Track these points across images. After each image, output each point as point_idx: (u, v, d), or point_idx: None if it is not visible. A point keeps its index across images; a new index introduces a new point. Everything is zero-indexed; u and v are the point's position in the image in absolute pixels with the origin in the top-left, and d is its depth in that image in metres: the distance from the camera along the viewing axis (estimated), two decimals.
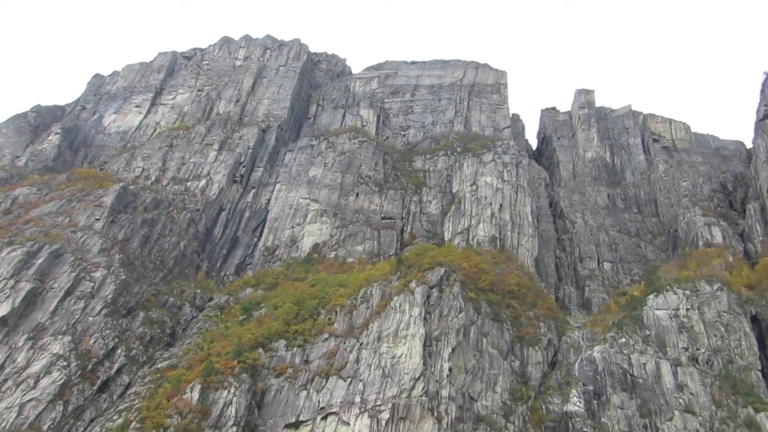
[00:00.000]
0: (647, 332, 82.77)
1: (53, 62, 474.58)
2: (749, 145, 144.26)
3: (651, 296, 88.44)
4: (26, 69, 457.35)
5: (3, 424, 69.42)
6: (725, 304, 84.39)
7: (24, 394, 73.36)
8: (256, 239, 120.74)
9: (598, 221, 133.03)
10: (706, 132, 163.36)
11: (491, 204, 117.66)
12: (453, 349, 73.15)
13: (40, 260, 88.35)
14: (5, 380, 75.89)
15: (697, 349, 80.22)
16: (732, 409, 73.92)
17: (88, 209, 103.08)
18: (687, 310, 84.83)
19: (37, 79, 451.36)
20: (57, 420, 71.91)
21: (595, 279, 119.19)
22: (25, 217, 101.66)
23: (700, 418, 73.25)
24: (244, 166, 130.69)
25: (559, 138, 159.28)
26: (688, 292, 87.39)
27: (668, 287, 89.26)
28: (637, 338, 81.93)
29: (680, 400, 74.81)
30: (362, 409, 66.08)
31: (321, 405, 68.93)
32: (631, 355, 78.99)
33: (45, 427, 70.36)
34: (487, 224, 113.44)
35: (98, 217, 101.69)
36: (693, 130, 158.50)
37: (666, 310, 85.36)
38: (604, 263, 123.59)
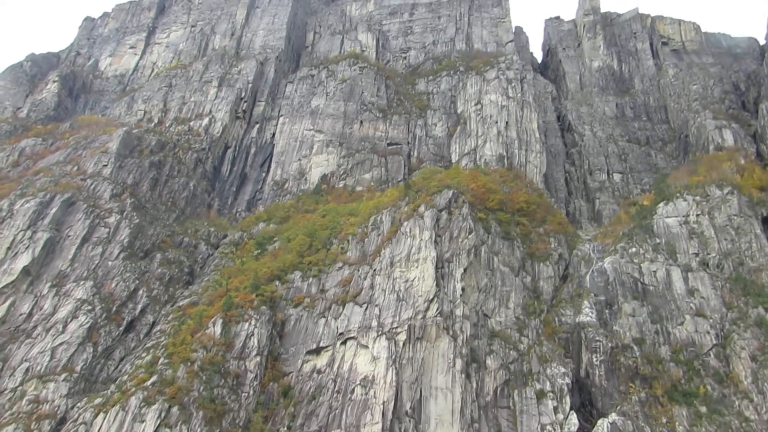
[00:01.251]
0: (657, 240, 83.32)
1: (42, 8, 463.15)
2: (763, 41, 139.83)
3: (661, 204, 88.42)
4: (15, 17, 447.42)
5: (38, 368, 72.61)
6: (736, 207, 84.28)
7: (54, 339, 76.25)
8: (264, 174, 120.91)
9: (606, 132, 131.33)
10: (717, 31, 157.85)
11: (497, 122, 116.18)
12: (465, 270, 74.36)
13: (54, 210, 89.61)
14: (35, 327, 78.85)
15: (708, 254, 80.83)
16: (743, 309, 75.27)
17: (95, 156, 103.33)
18: (697, 215, 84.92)
19: (28, 27, 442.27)
20: (89, 361, 74.95)
21: (605, 191, 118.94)
22: (34, 168, 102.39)
23: (711, 320, 74.80)
24: (245, 102, 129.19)
25: (564, 49, 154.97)
26: (698, 197, 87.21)
27: (678, 194, 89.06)
28: (647, 247, 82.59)
29: (691, 304, 76.17)
30: (380, 332, 68.06)
31: (339, 331, 71.05)
32: (641, 264, 79.91)
33: (78, 368, 73.42)
34: (493, 143, 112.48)
35: (105, 164, 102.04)
36: (703, 29, 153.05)
37: (676, 217, 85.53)
38: (614, 174, 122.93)
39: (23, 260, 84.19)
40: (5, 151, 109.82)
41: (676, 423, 68.69)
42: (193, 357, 67.56)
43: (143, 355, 74.09)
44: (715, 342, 73.65)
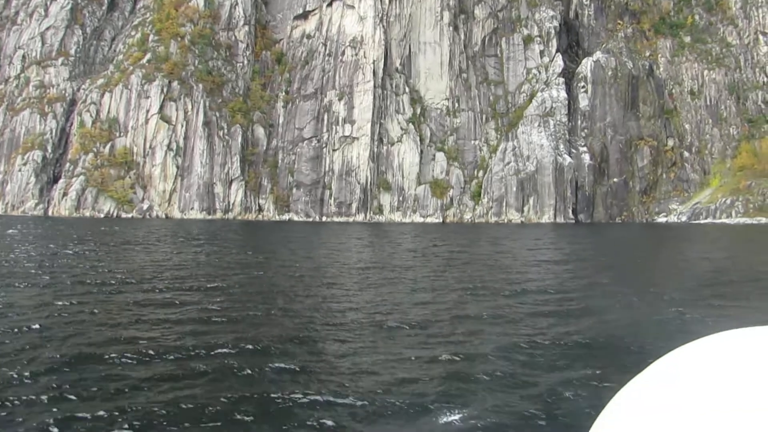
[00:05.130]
0: None
1: None
2: None
3: None
4: None
5: (33, 54, 73.59)
6: None
7: (40, 24, 75.30)
8: None
9: None
10: None
11: None
12: None
13: None
14: (17, 13, 77.30)
15: None
16: None
17: None
18: None
19: None
20: (81, 43, 75.24)
21: None
22: None
23: None
24: None
25: None
26: None
27: None
28: None
29: None
30: None
31: None
32: None
33: (72, 51, 74.27)
34: None
35: None
36: None
37: None
38: None
39: None
40: None
41: (659, 55, 71.16)
42: (182, 32, 67.56)
43: (132, 33, 73.83)
44: None
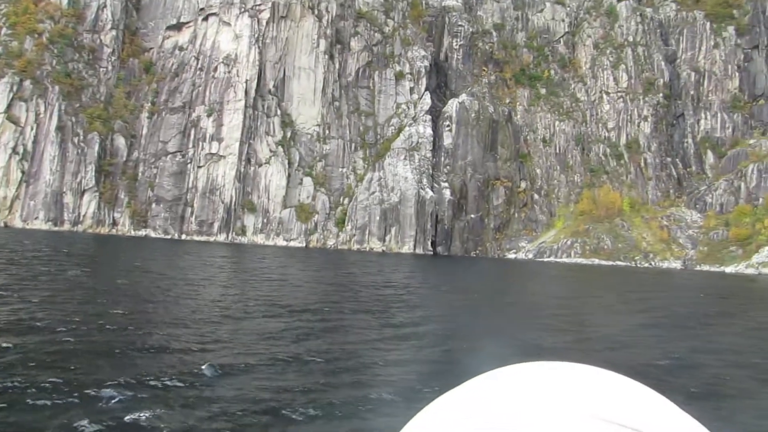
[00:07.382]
0: None
1: None
2: None
3: None
4: None
5: None
6: None
7: None
8: None
9: None
10: None
11: None
12: None
13: None
14: None
15: None
16: None
17: None
18: None
19: None
20: None
21: None
22: None
23: (568, 8, 78.54)
24: None
25: None
26: None
27: None
28: None
29: None
30: (242, 10, 65.80)
31: (201, 6, 67.74)
32: None
33: None
34: None
35: None
36: None
37: None
38: None
39: None
40: None
41: (518, 103, 76.88)
42: (40, 28, 63.20)
43: None
44: (567, 30, 78.56)
